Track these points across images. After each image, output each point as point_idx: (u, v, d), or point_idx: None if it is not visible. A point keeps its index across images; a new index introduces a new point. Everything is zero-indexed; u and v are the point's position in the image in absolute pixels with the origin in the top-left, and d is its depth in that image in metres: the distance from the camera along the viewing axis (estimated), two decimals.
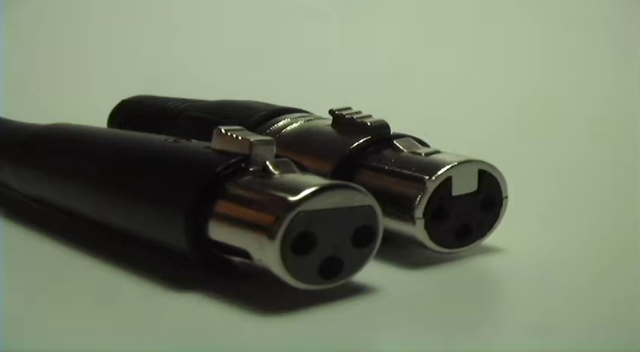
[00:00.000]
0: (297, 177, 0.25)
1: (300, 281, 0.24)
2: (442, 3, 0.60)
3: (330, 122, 0.30)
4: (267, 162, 0.25)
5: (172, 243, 0.26)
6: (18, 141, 0.32)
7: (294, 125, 0.31)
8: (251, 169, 0.25)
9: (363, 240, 0.25)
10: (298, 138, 0.31)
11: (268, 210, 0.24)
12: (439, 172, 0.27)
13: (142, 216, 0.27)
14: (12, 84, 0.51)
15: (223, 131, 0.26)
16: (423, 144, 0.29)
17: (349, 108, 0.30)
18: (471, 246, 0.28)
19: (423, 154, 0.28)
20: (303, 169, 0.26)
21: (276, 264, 0.23)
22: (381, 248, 0.25)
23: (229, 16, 0.61)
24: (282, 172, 0.25)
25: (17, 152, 0.32)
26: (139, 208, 0.27)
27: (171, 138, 0.28)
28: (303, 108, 0.33)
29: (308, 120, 0.32)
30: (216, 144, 0.26)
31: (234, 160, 0.25)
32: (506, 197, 0.28)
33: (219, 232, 0.25)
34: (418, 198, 0.27)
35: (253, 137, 0.26)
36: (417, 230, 0.27)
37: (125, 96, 0.39)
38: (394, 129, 0.29)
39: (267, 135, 0.30)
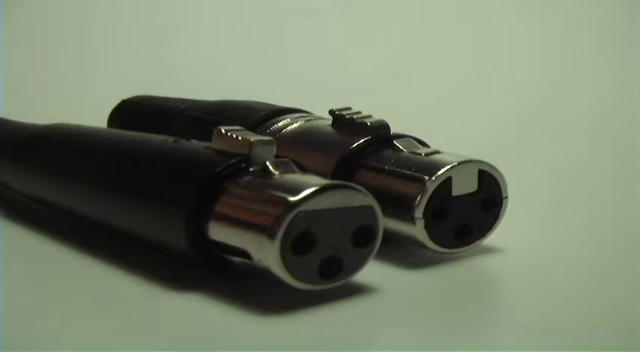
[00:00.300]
0: (297, 177, 0.25)
1: (300, 281, 0.24)
2: (442, 3, 0.60)
3: (330, 122, 0.30)
4: (267, 162, 0.25)
5: (172, 243, 0.26)
6: (18, 141, 0.32)
7: (294, 125, 0.31)
8: (251, 169, 0.25)
9: (363, 240, 0.25)
10: (298, 138, 0.31)
11: (268, 210, 0.24)
12: (439, 172, 0.27)
13: (142, 216, 0.27)
14: (12, 84, 0.51)
15: (223, 131, 0.26)
16: (423, 144, 0.29)
17: (349, 109, 0.30)
18: (471, 246, 0.28)
19: (423, 154, 0.28)
20: (303, 169, 0.26)
21: (276, 264, 0.23)
22: (381, 248, 0.25)
23: (229, 16, 0.61)
24: (282, 172, 0.25)
25: (17, 152, 0.32)
26: (139, 208, 0.27)
27: (171, 138, 0.28)
28: (303, 108, 0.33)
29: (308, 121, 0.32)
30: (216, 144, 0.26)
31: (234, 160, 0.25)
32: (506, 197, 0.28)
33: (219, 232, 0.25)
34: (418, 198, 0.27)
35: (253, 137, 0.26)
36: (417, 230, 0.27)
37: (125, 96, 0.39)
38: (394, 129, 0.29)
39: (267, 135, 0.30)
